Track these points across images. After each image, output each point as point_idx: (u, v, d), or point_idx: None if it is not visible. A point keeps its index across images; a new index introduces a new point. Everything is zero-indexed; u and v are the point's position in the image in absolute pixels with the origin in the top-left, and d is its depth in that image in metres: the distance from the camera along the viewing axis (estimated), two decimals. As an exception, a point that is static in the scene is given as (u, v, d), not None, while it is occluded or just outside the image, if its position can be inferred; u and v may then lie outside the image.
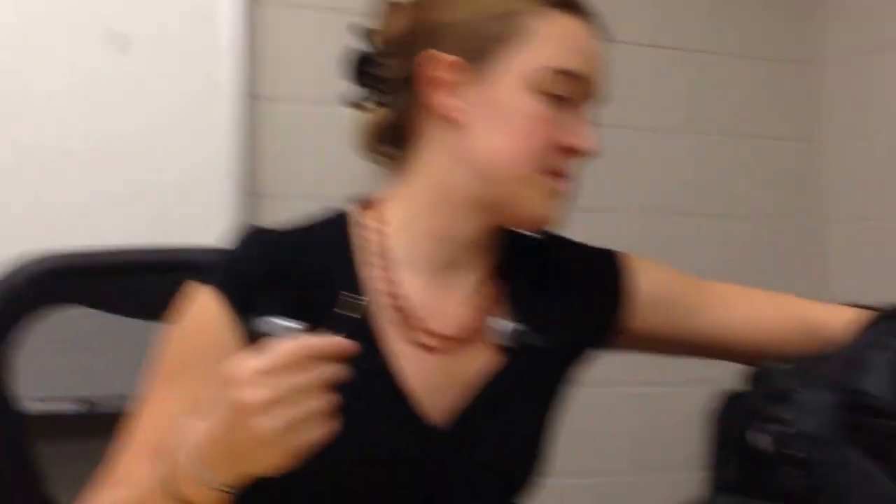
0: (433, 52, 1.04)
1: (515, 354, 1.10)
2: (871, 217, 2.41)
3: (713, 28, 2.44)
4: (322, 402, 0.81)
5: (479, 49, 1.04)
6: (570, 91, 1.05)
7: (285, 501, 1.00)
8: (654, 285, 1.17)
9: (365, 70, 1.10)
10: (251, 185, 2.00)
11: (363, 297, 0.88)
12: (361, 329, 1.02)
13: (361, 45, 1.10)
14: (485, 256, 1.11)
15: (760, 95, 2.48)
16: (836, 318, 1.14)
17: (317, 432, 0.81)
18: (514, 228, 1.12)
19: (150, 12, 1.90)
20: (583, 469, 2.21)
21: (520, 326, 1.10)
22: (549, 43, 1.05)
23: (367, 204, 1.11)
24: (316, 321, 0.91)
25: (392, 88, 1.08)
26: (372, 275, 1.06)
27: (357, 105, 1.12)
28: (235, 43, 1.96)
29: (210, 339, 1.00)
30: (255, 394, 0.79)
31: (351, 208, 1.11)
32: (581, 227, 1.17)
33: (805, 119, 2.52)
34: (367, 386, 1.01)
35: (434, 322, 1.07)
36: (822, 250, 2.50)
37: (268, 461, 0.82)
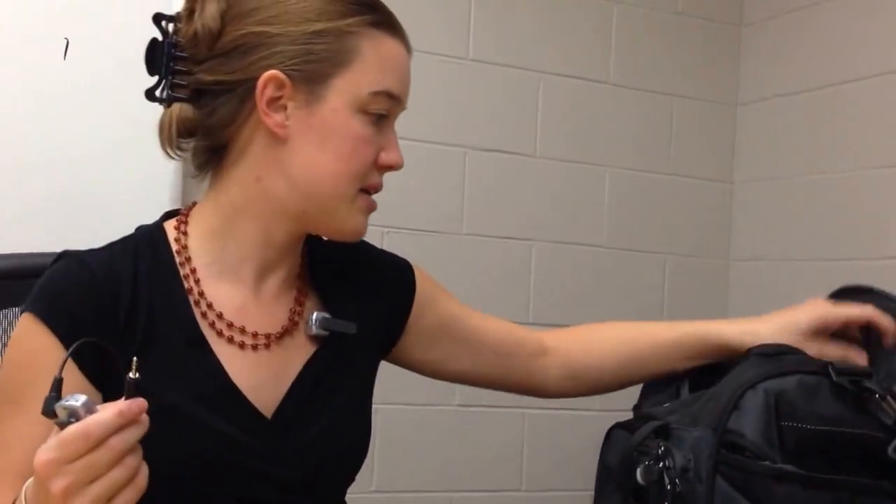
0: (268, 69, 1.07)
1: (326, 343, 1.17)
2: (769, 257, 2.50)
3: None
4: (124, 468, 0.85)
5: (307, 68, 1.07)
6: (387, 109, 1.11)
7: None
8: (427, 290, 1.29)
9: (178, 68, 1.12)
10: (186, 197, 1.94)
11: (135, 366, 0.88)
12: (194, 335, 1.09)
13: (171, 39, 1.12)
14: (293, 257, 1.18)
15: (681, 135, 2.53)
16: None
17: (129, 494, 0.86)
18: (325, 237, 1.21)
19: (90, 16, 1.85)
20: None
21: (326, 315, 1.17)
22: (375, 66, 1.09)
23: (176, 214, 1.17)
24: (146, 337, 1.05)
25: (214, 93, 1.11)
26: (188, 283, 1.11)
27: (161, 100, 1.14)
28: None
29: (35, 369, 1.02)
30: (57, 484, 0.84)
31: (167, 221, 1.16)
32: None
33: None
34: (203, 386, 1.08)
35: (249, 322, 1.13)
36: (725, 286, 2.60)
37: None
